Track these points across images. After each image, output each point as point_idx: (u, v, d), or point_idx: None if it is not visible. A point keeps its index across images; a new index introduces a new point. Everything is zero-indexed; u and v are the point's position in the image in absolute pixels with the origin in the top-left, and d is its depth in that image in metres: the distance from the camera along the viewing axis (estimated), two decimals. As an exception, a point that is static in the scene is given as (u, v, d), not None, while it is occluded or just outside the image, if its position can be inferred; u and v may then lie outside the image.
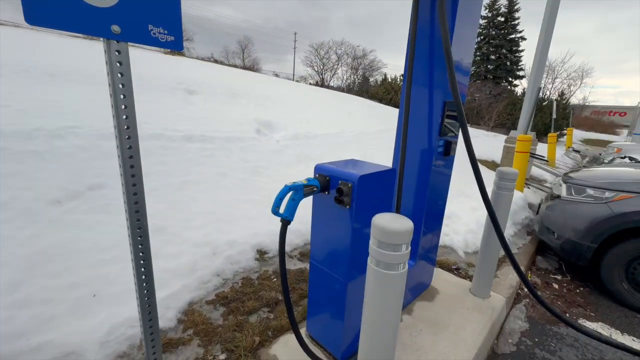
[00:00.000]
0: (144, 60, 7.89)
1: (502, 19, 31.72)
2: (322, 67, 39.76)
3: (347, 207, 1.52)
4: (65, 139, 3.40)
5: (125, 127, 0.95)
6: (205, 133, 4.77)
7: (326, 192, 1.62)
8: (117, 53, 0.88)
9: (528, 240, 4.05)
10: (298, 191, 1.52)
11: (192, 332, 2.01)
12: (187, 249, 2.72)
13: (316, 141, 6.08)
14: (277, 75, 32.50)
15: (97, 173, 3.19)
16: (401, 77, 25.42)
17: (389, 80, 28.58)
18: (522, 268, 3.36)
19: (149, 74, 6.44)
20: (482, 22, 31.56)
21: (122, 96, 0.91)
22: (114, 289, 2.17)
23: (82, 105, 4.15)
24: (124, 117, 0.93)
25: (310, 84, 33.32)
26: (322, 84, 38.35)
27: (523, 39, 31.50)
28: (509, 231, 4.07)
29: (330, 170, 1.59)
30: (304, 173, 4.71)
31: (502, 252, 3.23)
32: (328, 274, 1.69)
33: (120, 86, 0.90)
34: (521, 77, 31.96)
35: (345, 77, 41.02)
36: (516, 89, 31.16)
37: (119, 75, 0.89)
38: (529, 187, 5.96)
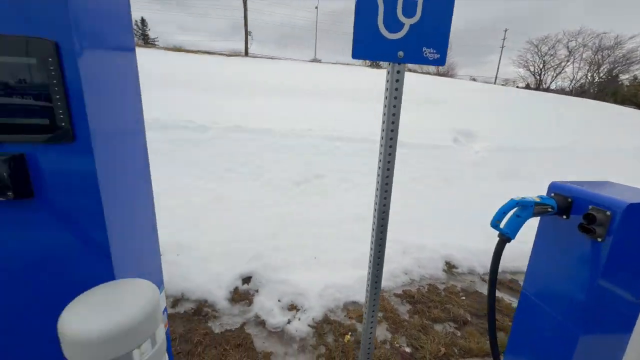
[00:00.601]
0: (350, 75, 9.25)
1: None
2: (541, 66, 32.42)
3: (599, 240, 1.22)
4: (304, 137, 4.57)
5: (390, 130, 1.21)
6: (402, 139, 5.06)
7: (564, 216, 1.37)
8: (397, 73, 1.14)
9: None
10: (527, 208, 1.37)
11: (382, 316, 2.24)
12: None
13: (527, 155, 5.11)
14: (474, 80, 29.44)
15: (320, 165, 4.10)
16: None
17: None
18: None
19: (360, 85, 7.51)
20: None
21: (393, 107, 1.17)
22: (328, 257, 2.74)
23: (318, 113, 5.42)
24: (391, 122, 1.19)
25: (518, 87, 27.97)
26: (538, 86, 31.28)
27: None
28: None
29: (575, 190, 1.33)
30: (510, 191, 4.09)
31: None
32: (549, 313, 1.43)
33: (394, 98, 1.16)
34: None
35: (577, 76, 31.58)
36: None
37: (395, 89, 1.16)
38: None
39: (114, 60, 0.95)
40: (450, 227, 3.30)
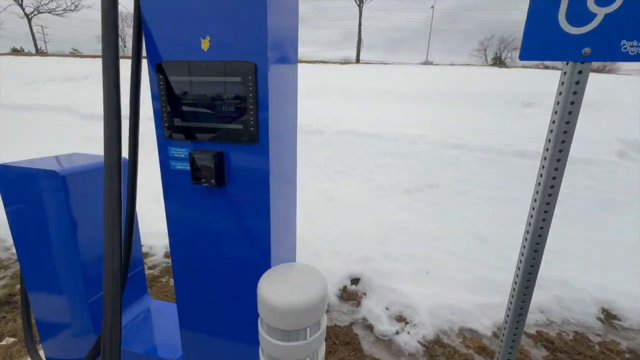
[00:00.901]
0: (479, 75, 8.31)
1: None
2: None
3: None
4: (417, 144, 4.37)
5: (561, 141, 1.03)
6: (538, 150, 4.27)
7: None
8: (578, 74, 0.97)
9: None
10: None
11: (507, 353, 1.94)
12: (508, 266, 2.63)
13: None
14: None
15: (435, 174, 3.85)
16: None
17: None
18: None
19: (480, 88, 6.71)
20: None
21: (568, 114, 1.00)
22: (440, 273, 2.55)
23: (430, 119, 5.13)
24: (563, 132, 1.01)
25: None
26: None
27: None
28: None
29: None
30: None
31: None
32: None
33: (570, 104, 0.99)
34: None
35: None
36: None
37: (573, 94, 0.98)
38: None
39: (286, 73, 1.11)
40: (610, 266, 2.60)
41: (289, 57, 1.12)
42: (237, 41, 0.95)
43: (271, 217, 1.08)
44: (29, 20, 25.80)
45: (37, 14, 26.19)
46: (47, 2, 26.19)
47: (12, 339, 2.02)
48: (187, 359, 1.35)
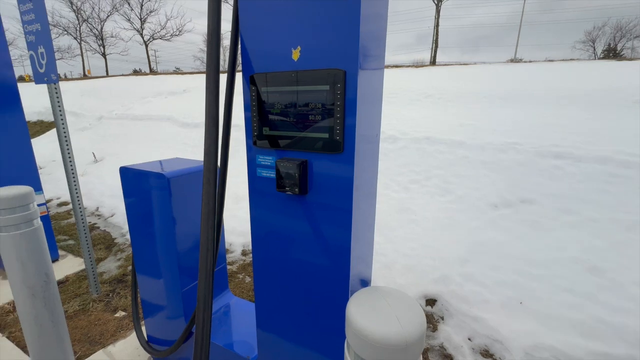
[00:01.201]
0: (589, 71, 7.02)
1: None
2: None
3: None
4: (507, 153, 3.86)
5: None
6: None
7: None
8: None
9: None
10: None
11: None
12: (635, 308, 2.09)
13: None
14: None
15: (529, 188, 3.33)
16: None
17: None
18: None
19: (596, 85, 5.63)
20: None
21: None
22: (538, 306, 2.16)
23: (523, 124, 4.49)
24: None
25: None
26: None
27: None
28: None
29: None
30: None
31: None
32: None
33: None
34: None
35: None
36: None
37: None
38: None
39: (373, 79, 1.06)
40: None
41: (377, 63, 1.06)
42: (327, 49, 0.93)
43: (352, 228, 1.03)
44: (146, 46, 31.39)
45: (152, 40, 31.70)
46: (159, 30, 31.53)
47: (123, 313, 2.38)
48: (262, 359, 1.38)
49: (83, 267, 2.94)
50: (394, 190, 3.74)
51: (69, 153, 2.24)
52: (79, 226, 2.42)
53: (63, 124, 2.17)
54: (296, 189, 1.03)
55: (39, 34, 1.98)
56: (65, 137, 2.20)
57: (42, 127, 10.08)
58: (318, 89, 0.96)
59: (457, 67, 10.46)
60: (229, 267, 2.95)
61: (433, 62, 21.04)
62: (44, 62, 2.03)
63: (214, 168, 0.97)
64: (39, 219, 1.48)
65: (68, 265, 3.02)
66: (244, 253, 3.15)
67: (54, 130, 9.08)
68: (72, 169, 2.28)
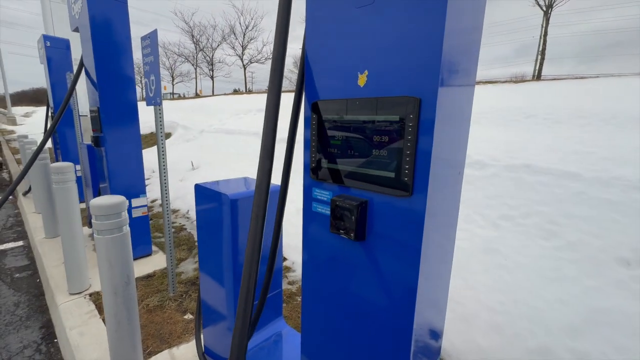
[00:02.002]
0: None
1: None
2: None
3: None
4: (636, 190, 2.95)
5: None
6: None
7: None
8: None
9: None
10: None
11: None
12: None
13: None
14: None
15: (684, 244, 2.44)
16: None
17: None
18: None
19: None
20: None
21: None
22: None
23: None
24: None
25: None
26: None
27: None
28: None
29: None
30: None
31: None
32: None
33: None
34: None
35: None
36: None
37: None
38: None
39: (457, 106, 0.85)
40: None
41: (464, 84, 0.85)
42: (399, 73, 0.78)
43: (419, 285, 0.82)
44: (244, 69, 35.79)
45: (250, 64, 36.00)
46: (256, 54, 35.64)
47: (190, 316, 2.54)
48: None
49: (168, 265, 3.29)
50: (479, 225, 3.21)
51: (164, 164, 2.54)
52: (166, 229, 2.72)
53: (162, 138, 2.48)
54: (352, 234, 0.88)
55: (152, 65, 2.33)
56: (162, 150, 2.50)
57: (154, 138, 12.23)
58: (386, 119, 0.81)
59: (570, 80, 8.83)
60: (288, 287, 2.91)
61: (538, 76, 18.37)
62: (153, 88, 2.37)
63: (263, 204, 0.90)
64: (127, 225, 1.66)
65: (158, 261, 3.43)
66: (305, 274, 3.09)
67: (168, 140, 10.90)
68: (164, 177, 2.58)
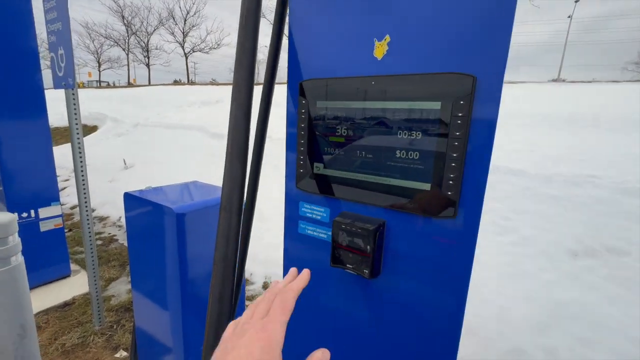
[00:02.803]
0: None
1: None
2: None
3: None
4: (583, 187, 3.23)
5: None
6: None
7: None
8: None
9: None
10: None
11: None
12: None
13: None
14: None
15: (616, 234, 2.69)
16: None
17: None
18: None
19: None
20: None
21: None
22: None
23: (602, 153, 3.83)
24: None
25: None
26: None
27: None
28: None
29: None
30: None
31: None
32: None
33: None
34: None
35: None
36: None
37: None
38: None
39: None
40: None
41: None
42: (442, 38, 0.54)
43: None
44: (186, 58, 33.11)
45: (192, 52, 33.40)
46: (199, 43, 33.23)
47: (124, 353, 2.05)
48: None
49: (92, 288, 2.68)
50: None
51: (81, 161, 2.00)
52: (86, 242, 2.16)
53: (78, 132, 1.94)
54: (365, 270, 0.62)
55: (60, 35, 1.78)
56: (79, 145, 1.96)
57: (84, 131, 10.54)
58: (419, 107, 0.56)
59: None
60: (247, 303, 2.56)
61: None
62: (62, 65, 1.82)
63: (235, 227, 0.59)
64: (19, 254, 1.18)
65: (79, 284, 2.78)
66: (265, 286, 2.76)
67: (95, 134, 9.43)
68: (83, 178, 2.04)
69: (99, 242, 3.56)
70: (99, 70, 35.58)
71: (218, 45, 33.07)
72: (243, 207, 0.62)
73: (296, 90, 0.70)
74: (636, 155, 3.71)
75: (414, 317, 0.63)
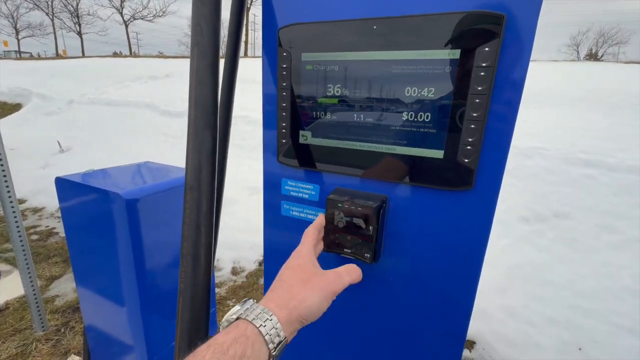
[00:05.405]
0: None
1: None
2: None
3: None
4: (532, 158, 3.48)
5: None
6: None
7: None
8: None
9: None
10: None
11: None
12: None
13: None
14: None
15: (562, 200, 2.96)
16: None
17: None
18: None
19: (597, 86, 5.34)
20: None
21: None
22: (604, 353, 1.77)
23: (550, 127, 4.13)
24: None
25: None
26: None
27: None
28: None
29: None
30: None
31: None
32: None
33: None
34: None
35: None
36: None
37: None
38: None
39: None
40: None
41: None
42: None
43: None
44: (126, 27, 29.51)
45: (133, 20, 29.80)
46: (141, 9, 29.69)
47: (77, 358, 1.84)
48: None
49: (30, 289, 2.34)
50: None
51: (-1, 147, 1.65)
52: (15, 237, 1.84)
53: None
54: (367, 254, 0.53)
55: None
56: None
57: (4, 109, 9.04)
58: (431, 57, 0.46)
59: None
60: (216, 289, 2.43)
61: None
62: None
63: (207, 212, 0.47)
64: None
65: (11, 285, 2.41)
66: (234, 272, 2.63)
67: (18, 113, 8.15)
68: (1, 164, 1.69)
69: (35, 237, 3.11)
70: (17, 39, 30.47)
71: (163, 12, 29.83)
72: (215, 185, 0.48)
73: (274, 40, 0.56)
74: (576, 128, 4.07)
75: (417, 302, 0.56)
